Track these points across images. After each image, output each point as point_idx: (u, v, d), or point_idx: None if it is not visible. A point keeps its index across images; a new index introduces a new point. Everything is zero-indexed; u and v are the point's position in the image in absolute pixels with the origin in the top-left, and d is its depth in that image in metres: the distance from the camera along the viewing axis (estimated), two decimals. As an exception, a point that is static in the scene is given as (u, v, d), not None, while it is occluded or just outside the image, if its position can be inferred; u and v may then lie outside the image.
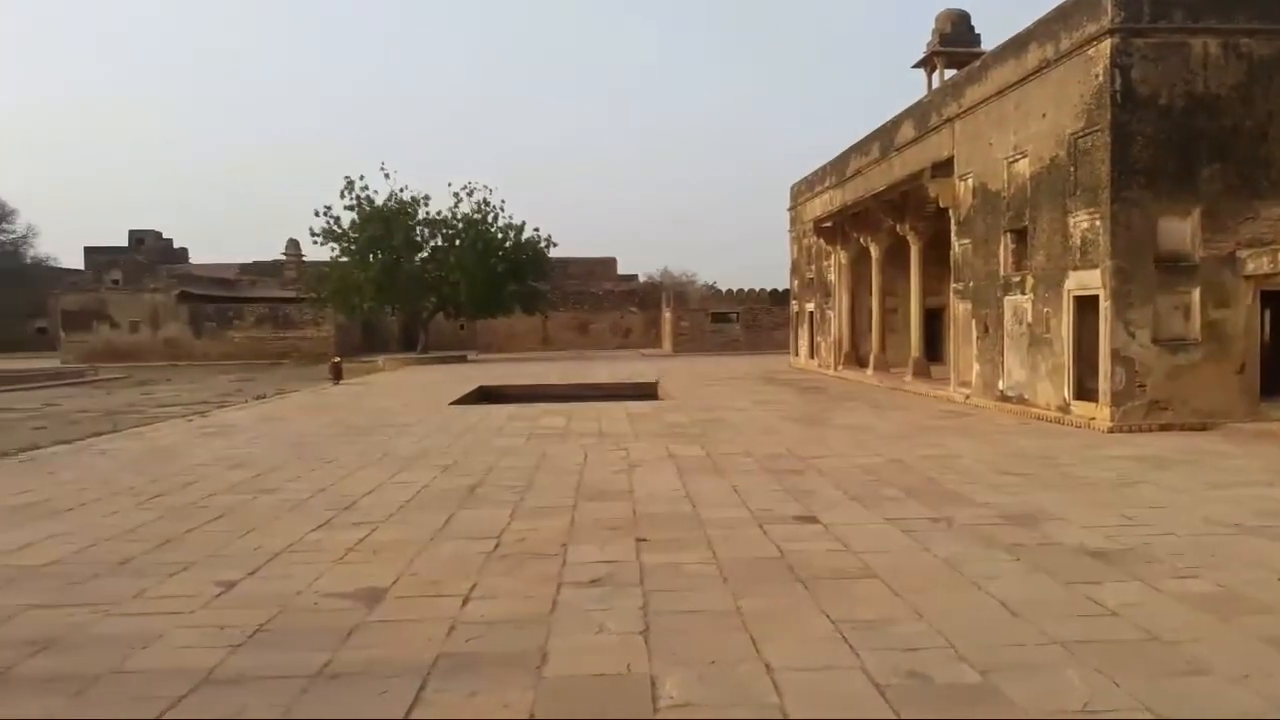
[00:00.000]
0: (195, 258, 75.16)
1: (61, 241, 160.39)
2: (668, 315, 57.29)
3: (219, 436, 16.21)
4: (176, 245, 76.89)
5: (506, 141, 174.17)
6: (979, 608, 5.72)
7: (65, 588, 6.58)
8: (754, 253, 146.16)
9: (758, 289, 56.06)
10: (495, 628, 5.47)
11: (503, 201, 71.44)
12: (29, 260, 72.63)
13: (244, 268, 70.53)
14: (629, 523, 8.37)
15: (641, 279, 74.43)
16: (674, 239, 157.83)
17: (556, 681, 4.60)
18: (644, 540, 7.64)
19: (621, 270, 74.32)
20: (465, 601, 6.03)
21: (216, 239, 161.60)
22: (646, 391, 27.53)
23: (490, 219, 49.32)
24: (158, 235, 75.27)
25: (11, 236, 72.22)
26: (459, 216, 49.26)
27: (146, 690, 4.60)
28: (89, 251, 69.53)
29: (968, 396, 19.89)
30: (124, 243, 72.98)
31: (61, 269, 71.12)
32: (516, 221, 49.58)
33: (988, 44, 27.72)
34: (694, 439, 14.54)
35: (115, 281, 56.80)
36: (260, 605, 6.02)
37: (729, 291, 56.75)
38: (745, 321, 55.63)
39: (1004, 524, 8.12)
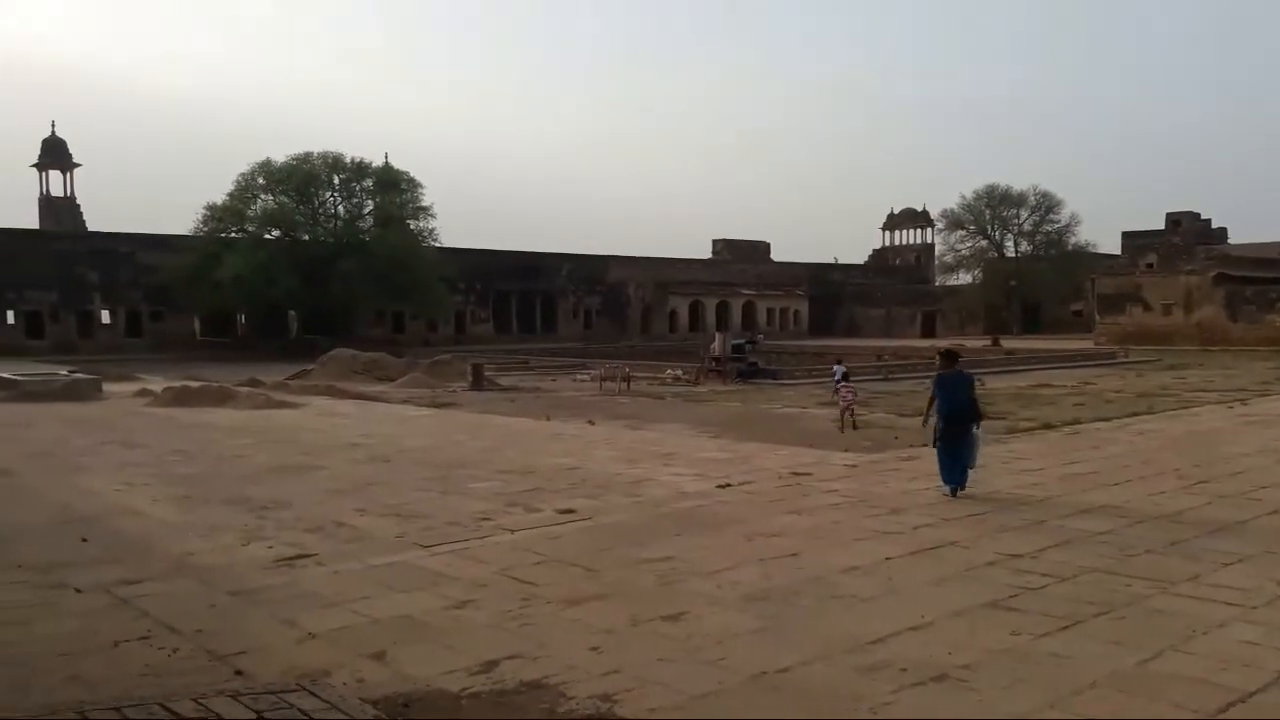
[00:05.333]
0: (1235, 237, 70.97)
1: (1100, 227, 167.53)
2: None
3: (1266, 426, 15.14)
4: (1215, 225, 73.65)
5: None
6: None
7: (1123, 560, 7.01)
8: None
9: None
10: None
11: None
12: (1070, 247, 77.87)
13: (1290, 246, 63.85)
14: None
15: None
16: None
17: None
18: None
19: None
20: None
21: (1260, 218, 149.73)
22: None
23: None
24: (1195, 216, 73.08)
25: (1057, 226, 78.42)
26: None
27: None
28: (1125, 236, 71.36)
29: None
30: (1160, 225, 72.89)
31: (1099, 254, 74.56)
32: None
33: None
34: None
35: (1149, 265, 57.22)
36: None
37: None
38: None
39: None
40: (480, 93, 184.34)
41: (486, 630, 5.49)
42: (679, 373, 31.49)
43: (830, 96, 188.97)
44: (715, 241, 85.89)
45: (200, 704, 3.86)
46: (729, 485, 10.20)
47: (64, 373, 27.22)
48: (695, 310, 75.25)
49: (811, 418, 17.54)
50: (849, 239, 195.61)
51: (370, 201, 55.81)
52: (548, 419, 18.06)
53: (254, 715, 3.87)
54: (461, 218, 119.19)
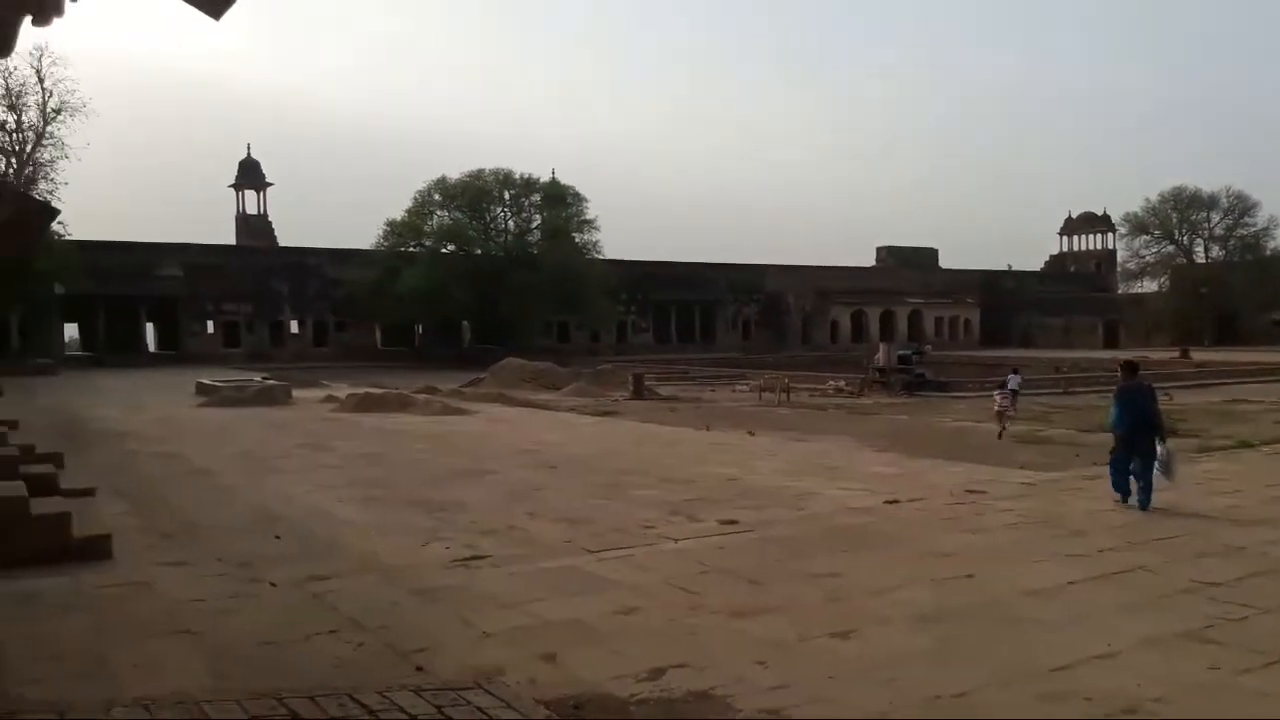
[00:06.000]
0: None
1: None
2: None
3: None
4: None
5: None
6: None
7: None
8: None
9: None
10: None
11: None
12: (1268, 252, 72.15)
13: None
14: None
15: None
16: None
17: None
18: None
19: None
20: None
21: None
22: None
23: None
24: None
25: (1253, 229, 72.79)
26: None
27: None
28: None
29: None
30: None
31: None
32: None
33: None
34: None
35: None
36: None
37: None
38: None
39: None
40: (641, 108, 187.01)
41: (653, 637, 5.54)
42: (841, 384, 30.95)
43: (1002, 95, 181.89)
44: (879, 249, 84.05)
45: (385, 697, 4.06)
46: (898, 501, 9.93)
47: (258, 379, 29.29)
48: (858, 320, 73.77)
49: (985, 432, 16.86)
50: (1023, 245, 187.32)
51: (538, 216, 57.61)
52: (708, 429, 18.09)
53: (434, 710, 4.03)
54: (623, 230, 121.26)
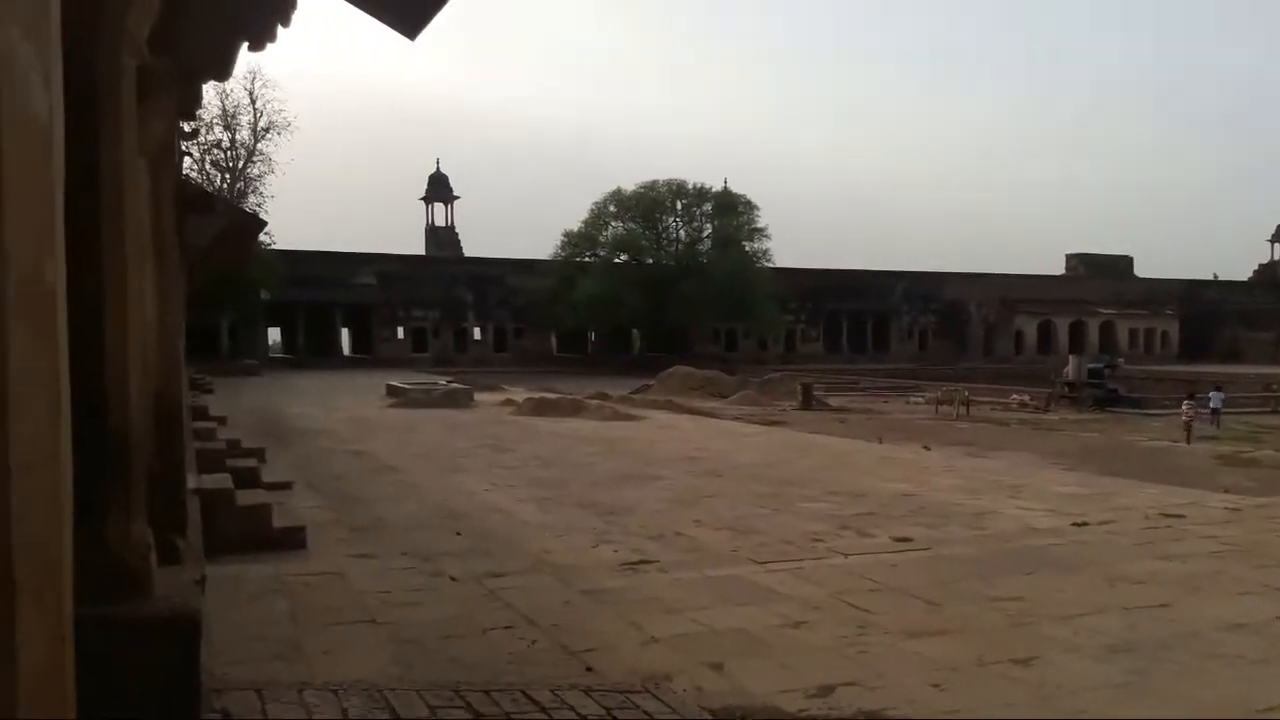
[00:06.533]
0: None
1: None
2: None
3: None
4: None
5: None
6: None
7: None
8: None
9: None
10: None
11: None
12: None
13: None
14: None
15: None
16: None
17: None
18: None
19: None
20: None
21: None
22: None
23: None
24: None
25: None
26: None
27: None
28: None
29: None
30: None
31: None
32: None
33: None
34: None
35: None
36: None
37: None
38: None
39: None
40: (813, 112, 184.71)
41: (822, 653, 5.44)
42: (1026, 398, 29.55)
43: (1224, 91, 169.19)
44: (1069, 256, 79.64)
45: (557, 695, 4.16)
46: (1086, 524, 9.36)
47: (442, 383, 30.68)
48: (1045, 331, 70.15)
49: (1184, 452, 15.72)
50: (1227, 253, 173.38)
51: (709, 225, 57.95)
52: (879, 441, 17.63)
53: (604, 711, 4.10)
54: (793, 237, 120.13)
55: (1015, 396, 29.85)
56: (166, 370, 5.96)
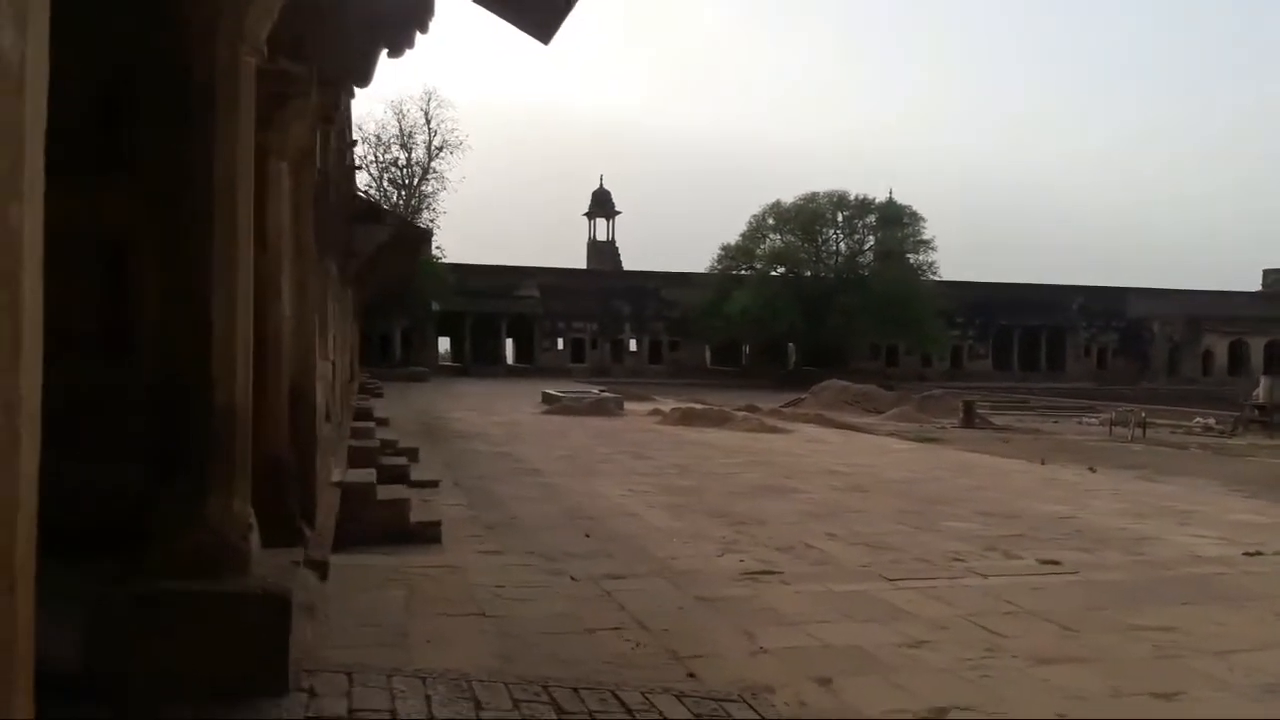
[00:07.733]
0: None
1: None
2: None
3: None
4: None
5: None
6: None
7: None
8: None
9: None
10: None
11: None
12: None
13: None
14: None
15: None
16: None
17: None
18: None
19: None
20: None
21: None
22: None
23: None
24: None
25: None
26: None
27: None
28: None
29: None
30: None
31: None
32: None
33: None
34: None
35: None
36: None
37: None
38: None
39: None
40: (980, 120, 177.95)
41: (940, 674, 5.14)
42: (1211, 421, 27.39)
43: None
44: (1267, 272, 73.46)
45: (646, 698, 4.08)
46: (1260, 554, 8.54)
47: (595, 391, 31.17)
48: (1236, 351, 64.86)
49: (1391, 484, 14.15)
50: None
51: (871, 237, 56.62)
52: (1042, 462, 16.69)
53: (692, 717, 3.99)
54: (962, 249, 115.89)
55: (1199, 419, 27.68)
56: (300, 364, 6.26)
